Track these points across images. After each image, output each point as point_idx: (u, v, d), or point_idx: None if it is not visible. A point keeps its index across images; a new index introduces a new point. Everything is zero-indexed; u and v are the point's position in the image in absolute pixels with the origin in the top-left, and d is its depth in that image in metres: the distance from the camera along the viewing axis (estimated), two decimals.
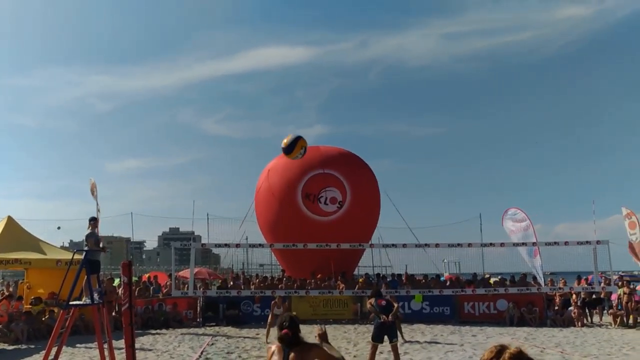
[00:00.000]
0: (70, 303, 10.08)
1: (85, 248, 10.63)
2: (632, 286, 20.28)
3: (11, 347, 15.15)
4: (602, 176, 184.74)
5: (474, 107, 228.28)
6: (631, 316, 19.12)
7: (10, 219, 18.68)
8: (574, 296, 20.88)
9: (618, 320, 19.31)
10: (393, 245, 22.96)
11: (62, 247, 24.32)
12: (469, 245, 22.47)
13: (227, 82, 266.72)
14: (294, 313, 5.11)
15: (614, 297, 20.82)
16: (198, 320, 20.51)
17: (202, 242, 28.76)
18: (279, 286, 21.51)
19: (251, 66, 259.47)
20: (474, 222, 31.78)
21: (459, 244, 22.18)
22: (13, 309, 16.78)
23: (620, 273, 29.03)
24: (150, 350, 14.21)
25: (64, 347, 10.50)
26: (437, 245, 22.05)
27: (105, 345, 10.19)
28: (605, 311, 21.23)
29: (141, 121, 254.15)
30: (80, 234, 11.26)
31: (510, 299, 20.35)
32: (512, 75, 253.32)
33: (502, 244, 22.22)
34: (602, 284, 21.21)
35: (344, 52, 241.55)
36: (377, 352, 11.42)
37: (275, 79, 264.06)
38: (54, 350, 9.90)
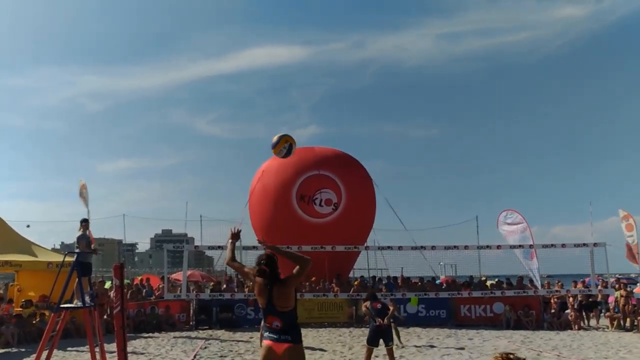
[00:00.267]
0: (62, 306, 9.99)
1: (77, 250, 10.53)
2: (629, 289, 20.22)
3: (1, 351, 14.94)
4: (599, 178, 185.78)
5: (470, 108, 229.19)
6: (628, 319, 19.07)
7: (0, 220, 18.50)
8: (570, 299, 20.79)
9: (615, 323, 19.26)
10: (389, 247, 22.82)
11: (53, 249, 24.12)
12: (466, 247, 22.35)
13: (220, 83, 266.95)
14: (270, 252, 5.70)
15: (611, 299, 20.78)
16: (191, 323, 20.33)
17: (195, 244, 28.68)
18: None
19: (244, 66, 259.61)
20: (470, 225, 31.69)
21: (455, 247, 22.04)
22: (3, 312, 16.59)
23: (617, 276, 28.99)
24: (142, 353, 14.04)
25: (55, 351, 10.39)
26: (433, 247, 21.96)
27: (97, 349, 10.08)
28: (602, 314, 21.17)
29: (133, 121, 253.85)
30: (71, 235, 11.15)
31: (507, 301, 20.26)
32: (509, 76, 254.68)
33: (498, 247, 22.12)
34: (599, 287, 21.14)
35: (338, 51, 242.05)
36: (373, 356, 11.28)
37: (269, 79, 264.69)
38: (44, 353, 9.76)
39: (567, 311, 20.20)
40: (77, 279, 10.14)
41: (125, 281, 17.54)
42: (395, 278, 23.39)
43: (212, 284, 24.41)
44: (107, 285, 20.30)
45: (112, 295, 15.38)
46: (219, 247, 24.66)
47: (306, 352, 13.99)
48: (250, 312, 20.38)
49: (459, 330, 18.51)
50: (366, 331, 11.87)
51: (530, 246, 21.14)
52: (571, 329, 19.20)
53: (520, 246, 21.51)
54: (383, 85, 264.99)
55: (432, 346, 15.06)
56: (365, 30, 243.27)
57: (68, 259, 11.41)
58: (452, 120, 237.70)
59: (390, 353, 11.12)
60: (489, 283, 23.63)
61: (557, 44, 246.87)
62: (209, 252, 34.89)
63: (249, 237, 26.37)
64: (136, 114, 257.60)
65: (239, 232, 6.12)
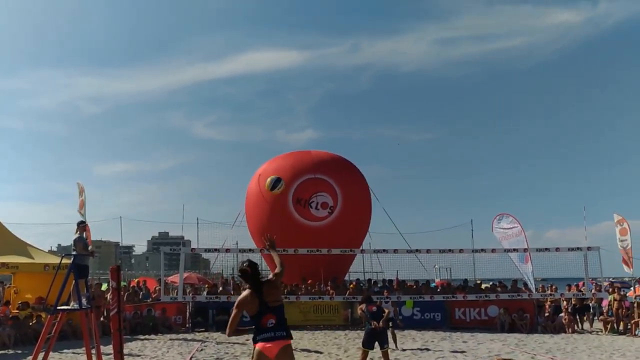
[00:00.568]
0: (58, 308, 10.03)
1: (74, 252, 10.54)
2: (622, 292, 20.33)
3: None
4: (593, 182, 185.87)
5: (466, 112, 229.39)
6: (622, 323, 19.16)
7: None
8: (564, 302, 20.89)
9: (608, 326, 19.35)
10: (384, 250, 22.93)
11: (50, 252, 24.12)
12: (460, 251, 22.47)
13: (218, 86, 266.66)
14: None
15: (604, 303, 20.87)
16: (187, 325, 20.39)
17: (192, 246, 28.70)
18: None
19: (242, 70, 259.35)
20: (465, 228, 31.78)
21: (450, 250, 22.16)
22: (0, 314, 16.59)
23: (610, 279, 29.11)
24: (138, 356, 14.08)
25: (51, 353, 10.40)
26: (428, 251, 22.05)
27: (93, 351, 10.13)
28: (595, 318, 21.26)
29: (130, 124, 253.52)
30: (68, 237, 11.19)
31: (501, 305, 20.35)
32: (505, 81, 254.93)
33: (493, 250, 22.23)
34: (593, 290, 21.25)
35: (335, 56, 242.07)
36: (368, 359, 11.34)
37: (266, 82, 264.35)
38: (41, 355, 9.78)
39: (561, 314, 20.29)
40: (73, 281, 10.18)
41: (122, 283, 17.58)
42: (391, 281, 23.49)
43: (207, 286, 24.48)
44: (104, 287, 20.33)
45: (108, 297, 15.41)
46: (216, 250, 24.78)
47: (302, 354, 14.13)
48: (246, 315, 20.36)
49: (453, 333, 18.59)
50: (362, 334, 11.94)
51: (525, 250, 21.25)
52: (565, 332, 19.28)
53: (514, 250, 21.61)
54: (379, 90, 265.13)
55: (427, 349, 15.13)
56: (361, 34, 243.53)
57: (65, 261, 11.44)
58: (447, 124, 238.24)
59: (385, 356, 11.20)
60: (483, 286, 23.73)
61: (552, 49, 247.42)
62: (205, 255, 34.82)
63: (246, 240, 26.52)
64: (134, 116, 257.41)
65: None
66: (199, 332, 19.59)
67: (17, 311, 17.21)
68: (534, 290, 21.30)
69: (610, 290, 20.65)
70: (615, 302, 19.45)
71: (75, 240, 10.70)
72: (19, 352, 14.73)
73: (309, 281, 21.90)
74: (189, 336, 18.43)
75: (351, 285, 22.48)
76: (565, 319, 19.84)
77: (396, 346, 14.89)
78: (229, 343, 16.37)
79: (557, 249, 21.25)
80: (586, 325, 20.90)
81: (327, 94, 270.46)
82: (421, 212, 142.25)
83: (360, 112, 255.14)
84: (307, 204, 23.48)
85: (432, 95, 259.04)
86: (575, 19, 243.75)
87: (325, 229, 23.21)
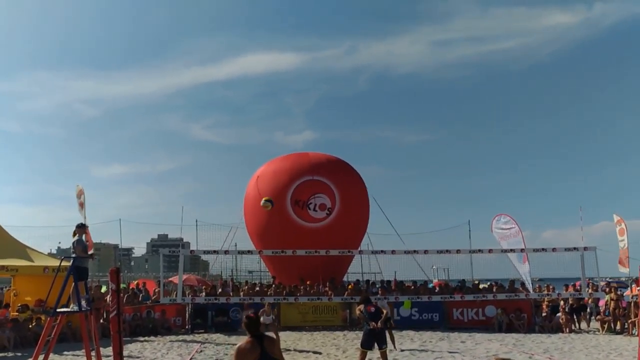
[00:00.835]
0: (58, 310, 10.04)
1: (73, 255, 10.57)
2: (619, 292, 20.39)
3: None
4: (590, 183, 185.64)
5: (463, 114, 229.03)
6: (618, 322, 19.21)
7: None
8: (562, 302, 20.97)
9: (605, 326, 19.41)
10: (382, 251, 23.02)
11: (50, 254, 24.14)
12: (458, 251, 22.52)
13: (215, 88, 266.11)
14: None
15: (601, 303, 20.94)
16: (187, 327, 20.42)
17: (191, 248, 28.73)
18: (268, 293, 21.47)
19: (239, 72, 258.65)
20: (462, 229, 31.84)
21: (447, 251, 22.19)
22: (0, 317, 16.64)
23: (607, 279, 29.17)
24: (138, 357, 14.15)
25: (51, 355, 10.42)
26: (426, 251, 22.08)
27: (93, 353, 10.13)
28: (592, 317, 21.32)
29: (128, 127, 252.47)
30: (67, 240, 11.19)
31: (499, 305, 20.41)
32: (501, 82, 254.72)
33: (490, 251, 22.28)
34: (590, 290, 21.32)
35: (332, 58, 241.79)
36: (367, 359, 11.41)
37: (264, 85, 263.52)
38: (41, 357, 9.81)
39: (558, 314, 20.36)
40: (73, 284, 10.19)
41: (122, 285, 17.63)
42: (389, 282, 23.53)
43: (204, 287, 24.51)
44: (104, 289, 20.37)
45: (108, 299, 15.47)
46: (215, 252, 24.84)
47: (301, 355, 14.20)
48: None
49: (451, 334, 18.66)
50: (360, 334, 12.01)
51: (522, 250, 21.31)
52: (562, 332, 19.32)
53: (511, 250, 21.68)
54: (377, 91, 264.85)
55: (425, 349, 15.19)
56: (358, 36, 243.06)
57: (64, 263, 11.48)
58: (444, 125, 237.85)
59: (384, 356, 11.28)
60: (481, 287, 23.80)
61: (548, 51, 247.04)
62: (204, 257, 34.93)
63: (245, 242, 26.57)
64: (132, 119, 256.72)
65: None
66: (198, 333, 19.63)
67: (16, 314, 17.25)
68: (531, 291, 21.36)
69: (607, 290, 20.72)
70: (612, 302, 19.50)
71: (74, 243, 10.73)
72: (19, 354, 14.79)
73: (308, 282, 21.97)
74: (188, 338, 18.47)
75: (349, 286, 22.54)
76: (562, 319, 19.89)
77: (394, 346, 14.96)
78: (228, 344, 16.43)
79: (553, 249, 21.30)
80: (583, 325, 20.96)
81: (324, 95, 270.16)
82: (418, 213, 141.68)
83: (357, 113, 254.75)
84: (306, 206, 23.56)
85: (429, 97, 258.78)
86: (571, 21, 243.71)
87: (324, 230, 23.28)
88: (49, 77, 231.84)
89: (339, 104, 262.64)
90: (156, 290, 21.96)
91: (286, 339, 17.43)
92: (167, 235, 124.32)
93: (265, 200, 14.27)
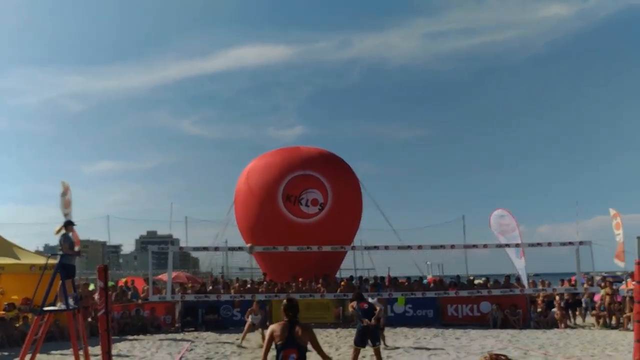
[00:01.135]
0: (45, 309, 9.90)
1: (60, 252, 10.38)
2: (614, 287, 20.33)
3: None
4: (585, 177, 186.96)
5: (456, 107, 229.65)
6: (614, 317, 19.18)
7: None
8: (557, 297, 20.89)
9: (601, 321, 19.37)
10: (375, 247, 22.82)
11: (37, 252, 23.81)
12: (452, 247, 22.33)
13: (204, 83, 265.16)
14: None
15: (597, 298, 20.89)
16: (176, 325, 20.20)
17: (181, 245, 28.48)
18: (260, 290, 21.25)
19: (229, 66, 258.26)
20: (457, 224, 31.74)
21: (442, 246, 22.01)
22: None
23: (603, 274, 29.24)
24: (127, 356, 13.94)
25: (38, 354, 10.24)
26: (419, 247, 21.95)
27: (81, 352, 10.02)
28: (587, 312, 21.27)
29: (116, 122, 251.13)
30: (54, 237, 10.97)
31: (494, 301, 20.28)
32: (496, 75, 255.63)
33: (484, 246, 22.17)
34: (585, 285, 21.25)
35: (324, 51, 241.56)
36: (360, 357, 11.24)
37: (254, 78, 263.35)
38: (28, 357, 9.67)
39: (553, 310, 20.28)
40: (60, 282, 10.06)
41: (110, 283, 17.39)
42: (383, 278, 23.38)
43: (190, 285, 24.28)
44: (91, 287, 20.11)
45: (96, 297, 15.23)
46: (205, 248, 24.57)
47: None
48: (236, 314, 20.24)
49: (446, 330, 18.55)
50: (353, 331, 11.85)
51: (517, 245, 21.20)
52: (557, 327, 19.27)
53: (507, 245, 21.57)
54: (369, 85, 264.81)
55: (419, 346, 15.05)
56: (350, 29, 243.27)
57: (51, 261, 11.27)
58: (438, 119, 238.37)
59: (377, 353, 11.11)
60: (476, 282, 23.70)
61: (543, 43, 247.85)
62: (194, 254, 34.73)
63: (236, 239, 26.33)
64: (120, 114, 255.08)
65: None
66: (188, 331, 19.42)
67: (3, 312, 17.09)
68: (526, 286, 21.25)
69: (603, 284, 20.66)
70: (608, 297, 19.47)
71: (61, 240, 10.53)
72: (5, 354, 14.55)
73: (300, 279, 21.75)
74: (178, 336, 18.26)
75: (342, 283, 22.35)
76: (557, 314, 19.83)
77: (384, 343, 14.73)
78: (218, 343, 16.26)
79: (549, 244, 21.21)
80: (579, 320, 20.92)
81: (316, 89, 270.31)
82: (413, 209, 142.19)
83: (350, 107, 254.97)
84: (297, 201, 23.34)
85: (422, 90, 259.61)
86: (566, 12, 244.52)
87: (316, 226, 23.09)
88: (36, 73, 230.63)
89: (331, 97, 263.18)
90: (145, 288, 21.68)
91: None
92: (156, 232, 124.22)
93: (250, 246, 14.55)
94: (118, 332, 18.08)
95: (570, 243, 20.97)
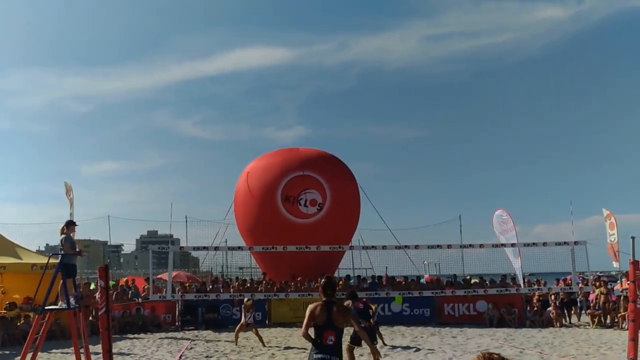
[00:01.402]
0: (46, 308, 9.97)
1: (61, 252, 10.48)
2: (609, 286, 20.44)
3: None
4: (580, 177, 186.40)
5: (454, 109, 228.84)
6: (609, 316, 19.29)
7: None
8: (552, 297, 21.02)
9: (596, 320, 19.46)
10: (373, 247, 23.00)
11: (38, 251, 23.99)
12: (449, 246, 22.52)
13: (205, 84, 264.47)
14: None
15: (591, 297, 21.00)
16: (177, 324, 20.31)
17: (181, 245, 28.59)
18: (259, 289, 21.39)
19: (229, 68, 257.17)
20: (454, 224, 31.78)
21: (438, 246, 22.19)
22: None
23: (597, 273, 29.30)
24: (128, 355, 14.05)
25: (39, 353, 10.34)
26: (416, 246, 22.11)
27: (82, 351, 10.07)
28: (582, 311, 21.39)
29: (118, 123, 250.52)
30: (55, 237, 11.10)
31: (490, 300, 20.43)
32: (493, 77, 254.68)
33: (481, 246, 22.32)
34: (580, 284, 21.38)
35: (323, 53, 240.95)
36: (357, 355, 11.35)
37: (255, 80, 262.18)
38: (29, 356, 9.74)
39: (549, 309, 20.40)
40: (61, 281, 10.14)
41: (111, 282, 17.52)
42: (380, 277, 23.51)
43: (188, 284, 24.39)
44: (92, 286, 20.23)
45: (97, 296, 15.36)
46: (205, 248, 24.72)
47: (292, 352, 14.15)
48: (235, 313, 20.30)
49: (442, 329, 18.69)
50: (350, 330, 11.95)
51: (513, 245, 21.34)
52: (553, 326, 19.37)
53: (502, 245, 21.71)
54: (368, 87, 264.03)
55: (416, 345, 15.16)
56: (349, 31, 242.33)
57: (52, 260, 11.39)
58: (436, 121, 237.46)
59: (374, 352, 11.20)
60: (472, 282, 23.81)
61: (540, 45, 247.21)
62: (194, 253, 34.74)
63: (235, 238, 26.47)
64: (121, 115, 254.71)
65: None
66: (188, 330, 19.54)
67: (4, 311, 17.11)
68: (522, 285, 21.38)
69: (596, 284, 20.78)
70: (602, 296, 19.57)
71: (62, 240, 10.64)
72: (7, 352, 14.64)
73: (299, 278, 21.89)
74: (178, 335, 18.39)
75: (340, 282, 22.46)
76: (553, 313, 19.94)
77: (384, 342, 14.89)
78: (218, 341, 16.37)
79: (544, 244, 21.35)
80: (574, 319, 21.00)
81: (315, 91, 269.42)
82: (410, 209, 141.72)
83: (348, 109, 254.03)
84: (296, 201, 23.49)
85: (421, 92, 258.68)
86: (562, 15, 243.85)
87: (314, 225, 23.23)
88: (39, 74, 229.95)
89: (330, 99, 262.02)
90: (146, 287, 21.82)
91: (277, 335, 17.40)
92: (156, 231, 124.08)
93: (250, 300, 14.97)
94: (119, 330, 18.19)
95: (565, 243, 21.13)
